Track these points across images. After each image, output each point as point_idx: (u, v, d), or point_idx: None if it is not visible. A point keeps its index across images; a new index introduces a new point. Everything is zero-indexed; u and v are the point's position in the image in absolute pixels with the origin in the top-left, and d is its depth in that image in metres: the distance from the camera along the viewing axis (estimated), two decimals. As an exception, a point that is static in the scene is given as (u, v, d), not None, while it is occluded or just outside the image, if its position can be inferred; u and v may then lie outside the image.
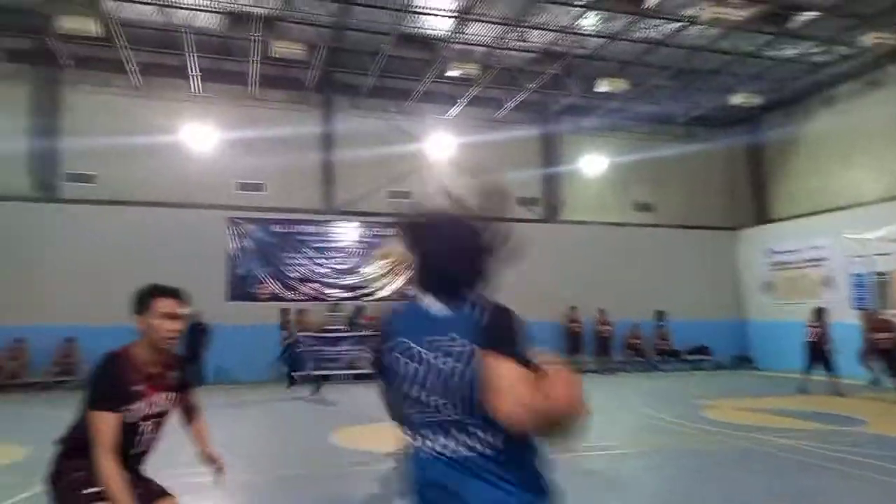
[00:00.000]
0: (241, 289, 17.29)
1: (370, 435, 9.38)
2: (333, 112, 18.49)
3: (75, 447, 3.10)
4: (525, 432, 1.71)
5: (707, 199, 21.58)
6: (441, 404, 1.81)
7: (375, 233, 18.62)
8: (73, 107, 16.45)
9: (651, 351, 19.69)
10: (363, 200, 18.56)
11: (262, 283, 17.46)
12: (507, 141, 19.40)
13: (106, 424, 2.94)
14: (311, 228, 18.12)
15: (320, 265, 18.10)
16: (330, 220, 18.26)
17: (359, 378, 15.93)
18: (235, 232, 17.40)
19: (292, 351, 15.75)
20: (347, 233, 18.43)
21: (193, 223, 16.78)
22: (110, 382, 3.02)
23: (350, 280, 18.29)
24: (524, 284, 18.79)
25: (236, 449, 8.27)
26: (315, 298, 17.78)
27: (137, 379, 3.10)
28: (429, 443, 1.82)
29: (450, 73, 16.13)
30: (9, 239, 15.38)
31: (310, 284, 17.91)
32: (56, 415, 10.91)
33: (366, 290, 18.34)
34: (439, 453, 1.79)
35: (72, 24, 12.49)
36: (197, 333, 16.01)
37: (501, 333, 1.84)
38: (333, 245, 18.28)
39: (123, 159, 16.49)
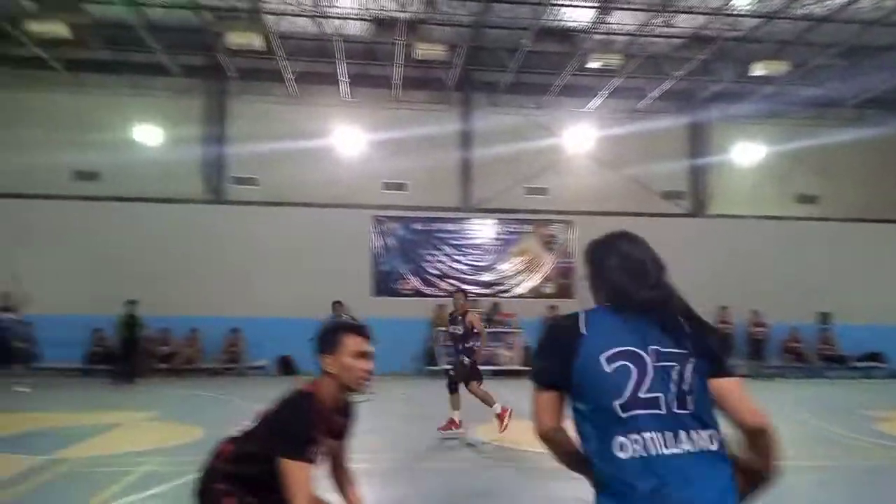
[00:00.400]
0: (385, 285, 18.02)
1: (510, 431, 9.44)
2: (472, 110, 18.73)
3: (241, 484, 2.82)
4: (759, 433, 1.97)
5: (882, 189, 19.38)
6: (676, 406, 1.91)
7: (512, 229, 18.67)
8: (237, 116, 17.99)
9: (813, 356, 18.05)
10: (500, 197, 18.65)
11: (404, 279, 18.09)
12: (651, 132, 18.61)
13: (306, 475, 2.61)
14: (450, 226, 18.50)
15: (458, 262, 18.44)
16: (467, 218, 18.54)
17: (497, 374, 16.07)
18: (380, 230, 18.17)
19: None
20: (484, 230, 18.62)
21: (343, 222, 17.74)
22: (307, 427, 2.68)
23: (487, 276, 18.47)
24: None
25: (381, 438, 8.66)
26: (453, 294, 18.09)
27: (320, 423, 2.76)
28: (652, 440, 1.86)
29: (590, 65, 15.73)
30: (184, 238, 17.10)
31: (448, 280, 18.28)
32: (226, 399, 12.12)
33: (503, 287, 18.43)
34: (664, 450, 1.86)
35: (238, 39, 13.66)
36: (344, 325, 16.98)
37: (726, 351, 2.05)
38: (471, 242, 18.55)
39: (281, 163, 17.78)
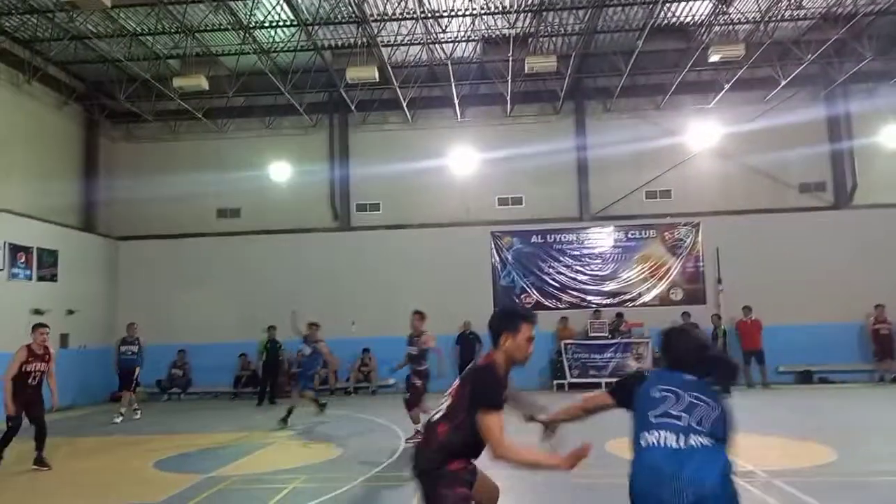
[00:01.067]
0: (507, 299, 18.04)
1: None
2: (585, 118, 18.46)
3: (453, 451, 3.51)
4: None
5: None
6: (695, 423, 3.00)
7: (633, 236, 18.08)
8: (358, 145, 18.90)
9: None
10: (619, 204, 18.17)
11: (525, 292, 18.04)
12: (782, 121, 17.34)
13: (501, 420, 3.38)
14: (569, 236, 18.23)
15: (580, 272, 18.11)
16: (586, 227, 18.20)
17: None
18: (498, 245, 18.27)
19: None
20: (604, 238, 18.17)
21: (461, 239, 18.03)
22: (496, 385, 3.51)
23: (610, 286, 17.98)
24: (813, 280, 16.82)
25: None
26: (576, 306, 17.84)
27: (501, 383, 3.58)
28: (667, 439, 2.99)
29: (711, 59, 14.99)
30: (315, 264, 18.12)
31: (570, 292, 18.01)
32: (360, 417, 12.64)
33: (627, 296, 17.85)
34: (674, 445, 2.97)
35: (356, 73, 14.39)
36: (470, 343, 17.20)
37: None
38: (591, 252, 18.16)
39: (401, 187, 18.44)
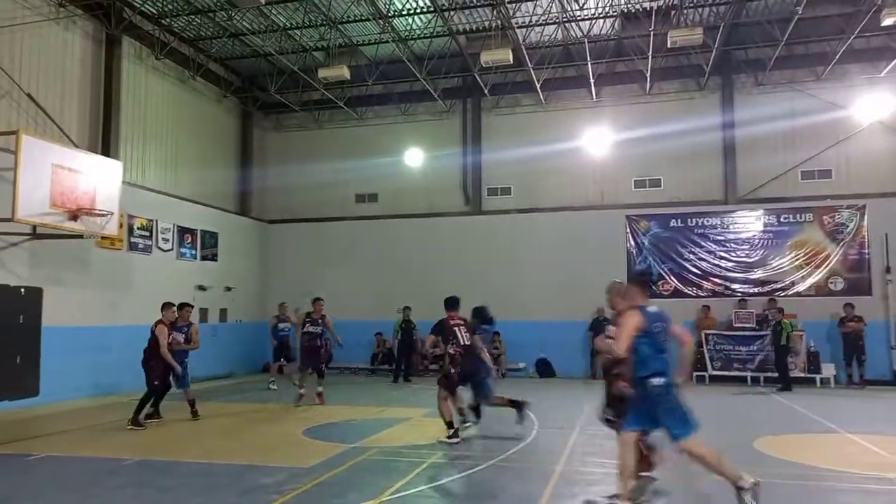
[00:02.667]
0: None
1: (798, 445, 8.47)
2: (734, 93, 17.23)
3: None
4: None
5: None
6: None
7: (786, 219, 16.68)
8: (491, 129, 18.94)
9: None
10: (770, 185, 16.84)
11: (662, 279, 17.28)
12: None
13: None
14: (712, 220, 17.17)
15: (724, 259, 17.03)
16: (732, 210, 17.03)
17: (772, 381, 14.54)
18: (633, 229, 17.61)
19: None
20: (752, 222, 16.92)
21: (595, 223, 17.58)
22: None
23: (759, 274, 16.75)
24: None
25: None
26: (720, 294, 16.82)
27: None
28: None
29: (884, 23, 13.37)
30: (448, 248, 18.47)
31: (713, 279, 17.00)
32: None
33: (779, 285, 16.54)
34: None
35: (490, 56, 14.39)
36: (603, 328, 16.77)
37: None
38: (737, 236, 17.00)
39: (533, 170, 18.29)
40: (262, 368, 18.60)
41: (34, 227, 10.93)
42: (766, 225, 16.80)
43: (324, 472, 6.67)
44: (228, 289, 17.69)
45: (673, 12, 14.53)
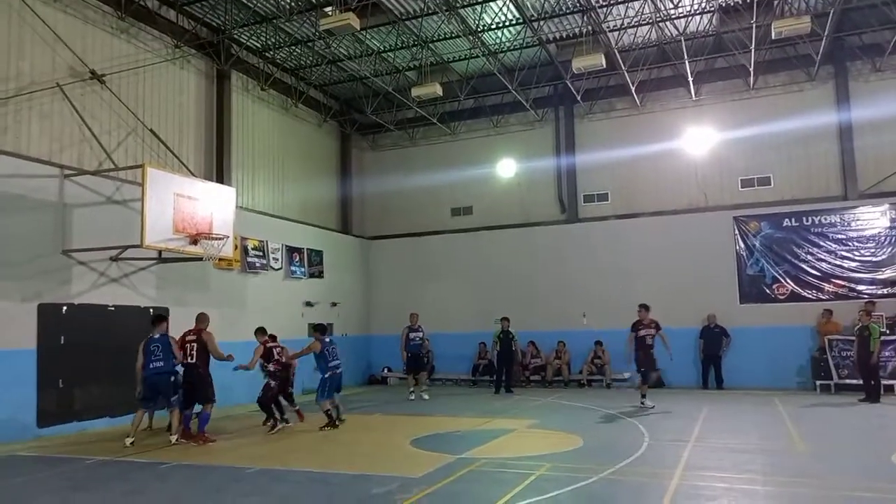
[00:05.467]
0: (755, 290, 16.46)
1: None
2: (848, 82, 16.07)
3: None
4: None
5: None
6: None
7: (915, 214, 15.33)
8: (584, 136, 18.67)
9: None
10: (894, 178, 15.54)
11: (777, 282, 16.29)
12: None
13: None
14: (831, 218, 16.03)
15: (847, 258, 15.83)
16: (853, 206, 15.84)
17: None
18: (742, 231, 16.74)
19: None
20: (877, 218, 15.66)
21: (699, 226, 16.88)
22: None
23: (888, 273, 15.45)
24: None
25: (791, 458, 7.87)
26: (843, 297, 15.63)
27: None
28: None
29: None
30: (544, 257, 18.32)
31: (835, 281, 15.83)
32: (595, 410, 12.50)
33: (911, 284, 15.19)
34: None
35: (582, 63, 14.22)
36: (715, 336, 16.05)
37: None
38: (860, 234, 15.78)
39: (630, 174, 17.87)
40: (366, 381, 19.19)
41: (159, 252, 11.85)
42: (893, 220, 15.50)
43: (433, 483, 6.77)
44: (334, 304, 18.38)
45: (776, 2, 13.80)
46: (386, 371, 19.36)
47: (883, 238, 15.58)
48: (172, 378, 9.59)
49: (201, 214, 11.81)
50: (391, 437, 9.87)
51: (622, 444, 8.75)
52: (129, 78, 13.13)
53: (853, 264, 15.74)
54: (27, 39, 11.32)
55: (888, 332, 14.22)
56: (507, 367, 16.36)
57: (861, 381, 13.22)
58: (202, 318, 10.05)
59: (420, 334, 14.99)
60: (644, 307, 12.79)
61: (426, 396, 14.73)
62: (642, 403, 12.51)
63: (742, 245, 16.70)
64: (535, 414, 12.19)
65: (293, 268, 16.96)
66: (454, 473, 7.23)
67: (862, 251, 15.73)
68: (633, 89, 16.87)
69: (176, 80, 14.44)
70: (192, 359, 9.72)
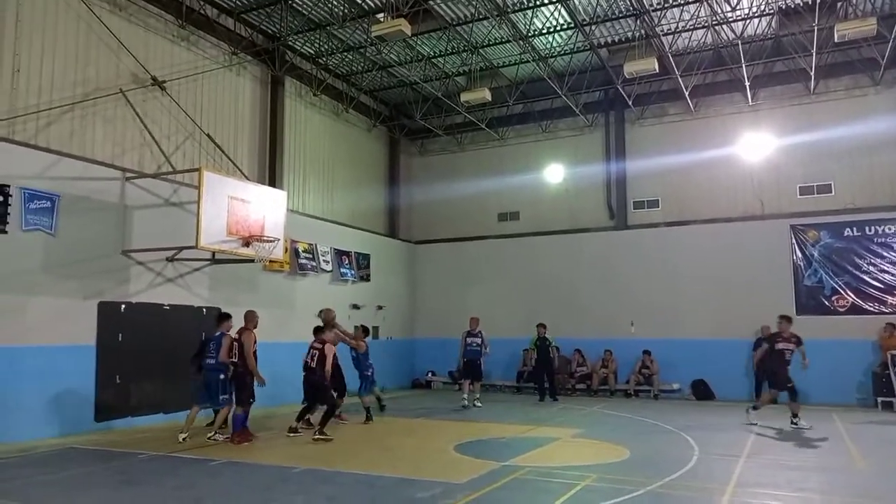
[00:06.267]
0: (813, 301, 15.87)
1: None
2: (917, 85, 15.40)
3: None
4: None
5: None
6: None
7: None
8: (635, 141, 18.38)
9: None
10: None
11: (836, 293, 15.66)
12: None
13: None
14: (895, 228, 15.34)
15: (912, 270, 15.13)
16: (920, 216, 15.12)
17: None
18: (799, 240, 16.16)
19: None
20: (947, 229, 14.90)
21: (754, 235, 16.39)
22: None
23: (955, 285, 14.70)
24: None
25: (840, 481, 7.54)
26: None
27: None
28: None
29: None
30: (593, 264, 18.09)
31: (900, 294, 15.14)
32: (642, 420, 12.24)
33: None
34: None
35: (634, 67, 13.99)
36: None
37: None
38: (928, 245, 15.06)
39: (682, 181, 17.50)
40: (410, 384, 19.27)
41: (213, 254, 12.18)
42: (965, 230, 14.74)
43: (477, 489, 6.74)
44: (380, 307, 18.54)
45: (840, 4, 13.32)
46: (430, 375, 19.42)
47: (954, 249, 14.83)
48: (222, 376, 9.80)
49: (254, 217, 12.08)
50: (435, 442, 9.88)
51: (670, 457, 8.54)
52: (187, 84, 13.58)
53: (919, 276, 15.03)
54: (93, 47, 11.83)
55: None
56: (548, 374, 16.06)
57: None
58: (249, 317, 10.08)
59: (479, 339, 14.47)
60: (786, 319, 11.73)
61: (479, 404, 14.25)
62: (795, 424, 11.20)
63: (799, 255, 16.13)
64: (581, 423, 12.02)
65: (343, 270, 17.19)
66: (498, 481, 7.19)
67: (930, 263, 15.00)
68: (686, 94, 16.52)
69: (232, 86, 14.85)
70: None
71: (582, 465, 8.15)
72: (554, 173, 19.21)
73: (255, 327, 10.03)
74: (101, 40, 11.94)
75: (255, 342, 9.95)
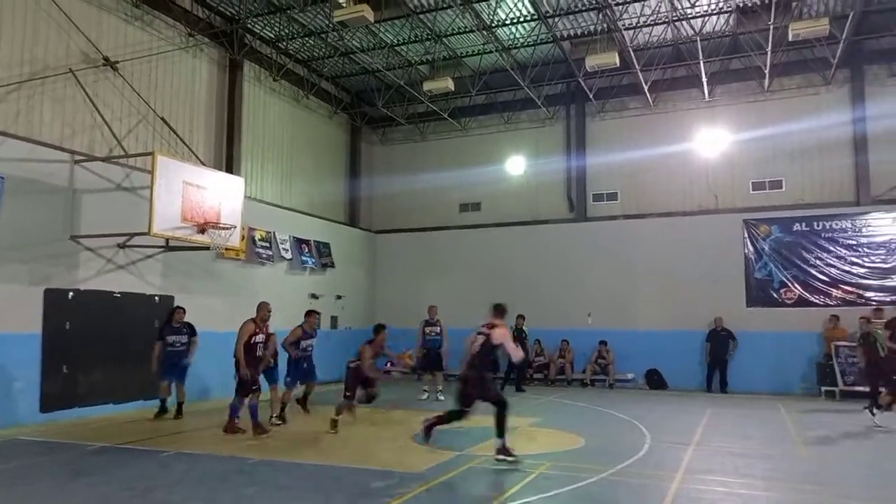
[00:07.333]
0: (762, 294, 16.36)
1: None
2: (865, 86, 15.92)
3: None
4: None
5: None
6: None
7: (927, 221, 15.20)
8: (595, 134, 18.58)
9: None
10: (909, 184, 15.42)
11: (784, 286, 16.18)
12: None
13: None
14: (842, 223, 15.90)
15: (856, 264, 15.71)
16: (865, 212, 15.71)
17: None
18: (751, 234, 16.63)
19: None
20: (889, 224, 15.54)
21: (708, 229, 16.78)
22: None
23: (897, 280, 15.34)
24: None
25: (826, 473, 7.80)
26: (851, 303, 15.51)
27: None
28: None
29: None
30: (552, 256, 18.27)
31: (843, 287, 15.72)
32: (599, 410, 12.45)
33: (921, 293, 15.06)
34: None
35: (596, 61, 14.12)
36: (722, 339, 15.94)
37: None
38: (871, 240, 15.65)
39: (640, 175, 17.79)
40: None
41: (167, 241, 11.87)
42: (904, 227, 15.37)
43: (433, 478, 6.76)
44: (339, 297, 18.39)
45: (794, 3, 13.66)
46: (389, 365, 19.33)
47: (894, 245, 15.44)
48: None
49: (209, 204, 11.81)
50: (393, 432, 9.88)
51: (624, 445, 8.72)
52: (141, 65, 13.15)
53: (862, 270, 15.62)
54: (42, 24, 11.36)
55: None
56: (519, 366, 16.01)
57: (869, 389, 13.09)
58: (258, 308, 9.93)
59: (438, 328, 14.18)
60: (880, 310, 11.47)
61: (441, 398, 13.63)
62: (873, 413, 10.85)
63: (751, 248, 16.59)
64: (538, 412, 12.17)
65: (304, 258, 16.97)
66: (455, 469, 7.23)
67: (872, 257, 15.60)
68: (646, 89, 16.76)
69: (189, 68, 14.45)
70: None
71: (538, 453, 8.25)
72: (515, 165, 19.29)
73: (262, 320, 9.78)
74: (51, 18, 11.46)
75: (258, 334, 9.63)
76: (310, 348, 11.10)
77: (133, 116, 12.99)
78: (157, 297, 12.40)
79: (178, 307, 11.46)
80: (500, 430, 7.66)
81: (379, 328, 10.57)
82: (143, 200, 11.26)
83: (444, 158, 20.04)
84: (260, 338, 9.70)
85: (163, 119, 13.49)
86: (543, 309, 17.92)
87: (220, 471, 7.20)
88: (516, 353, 8.14)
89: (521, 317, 16.20)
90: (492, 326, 7.96)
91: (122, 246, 11.85)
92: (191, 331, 11.20)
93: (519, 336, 15.85)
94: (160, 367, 10.79)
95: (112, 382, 11.43)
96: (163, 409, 10.88)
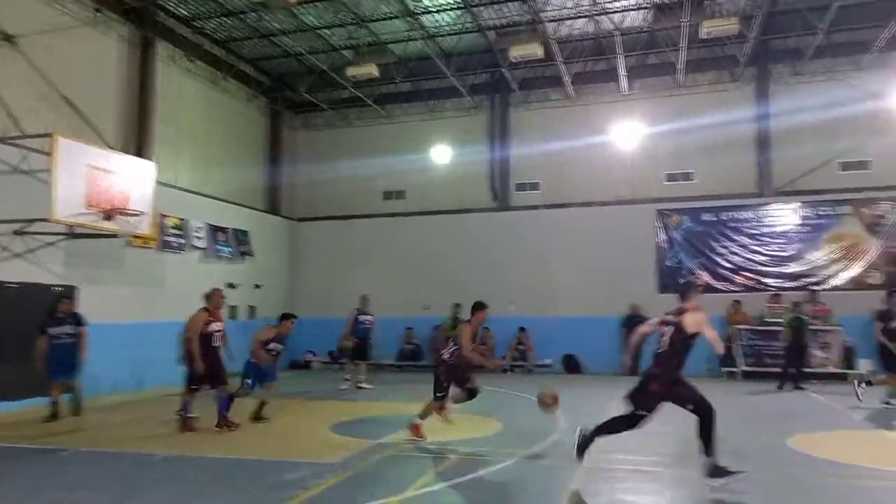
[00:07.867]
0: (672, 281, 17.10)
1: (834, 443, 8.33)
2: (770, 84, 16.85)
3: None
4: None
5: None
6: None
7: (823, 213, 16.28)
8: (519, 125, 18.84)
9: None
10: (807, 177, 16.42)
11: (693, 274, 16.99)
12: None
13: None
14: (746, 214, 16.84)
15: (757, 253, 16.69)
16: (767, 203, 16.68)
17: (811, 378, 14.17)
18: (664, 224, 17.35)
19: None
20: (788, 215, 16.55)
21: (625, 218, 17.37)
22: None
23: (793, 268, 16.37)
24: None
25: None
26: (752, 289, 16.48)
27: None
28: None
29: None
30: (476, 244, 18.46)
31: (745, 274, 16.68)
32: (517, 395, 12.72)
33: (814, 279, 16.15)
34: None
35: (520, 51, 14.28)
36: (637, 325, 16.54)
37: None
38: (772, 230, 16.65)
39: (562, 165, 18.17)
40: (287, 365, 18.75)
41: (70, 227, 11.22)
42: (802, 218, 16.42)
43: (349, 468, 6.73)
44: (257, 286, 17.94)
45: (707, 2, 14.24)
46: (310, 355, 19.09)
47: (792, 234, 16.48)
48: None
49: (117, 189, 11.24)
50: (310, 423, 9.76)
51: (539, 429, 8.93)
52: (42, 40, 12.26)
53: (763, 258, 16.60)
54: (-77, -9, 10.42)
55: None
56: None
57: (781, 370, 13.95)
58: (209, 296, 9.29)
59: (370, 318, 14.08)
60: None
61: (367, 386, 13.74)
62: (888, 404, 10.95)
63: (664, 237, 17.32)
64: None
65: (219, 247, 16.42)
66: (370, 458, 7.22)
67: (772, 246, 16.59)
68: (568, 81, 17.10)
69: (96, 46, 13.61)
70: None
71: (455, 439, 8.35)
72: (440, 153, 19.31)
73: (215, 308, 9.18)
74: (-67, -17, 10.53)
75: (212, 322, 9.01)
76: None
77: (32, 95, 12.11)
78: (58, 288, 11.70)
79: (64, 296, 10.70)
80: (708, 443, 6.32)
81: (479, 306, 9.00)
82: (42, 185, 10.55)
83: (368, 146, 19.82)
84: (217, 325, 9.10)
85: (65, 98, 12.68)
86: (466, 297, 17.89)
87: (123, 468, 6.91)
88: (718, 344, 6.66)
89: (457, 305, 16.20)
90: (681, 312, 6.32)
91: (19, 233, 11.10)
92: (77, 321, 10.28)
93: (455, 325, 15.96)
94: (46, 364, 9.88)
95: (8, 379, 10.70)
96: (53, 415, 9.78)
